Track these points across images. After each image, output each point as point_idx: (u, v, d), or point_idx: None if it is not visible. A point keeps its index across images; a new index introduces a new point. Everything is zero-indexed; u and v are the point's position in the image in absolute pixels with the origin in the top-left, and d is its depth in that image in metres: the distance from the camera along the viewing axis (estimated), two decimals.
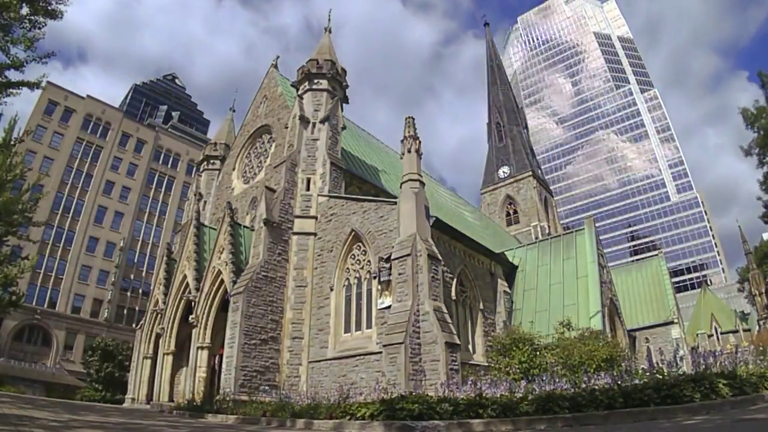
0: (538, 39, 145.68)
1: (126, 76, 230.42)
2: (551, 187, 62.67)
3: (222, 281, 19.38)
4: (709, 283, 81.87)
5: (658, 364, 9.29)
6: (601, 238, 25.96)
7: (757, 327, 49.51)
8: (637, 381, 8.45)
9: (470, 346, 18.83)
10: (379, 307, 16.73)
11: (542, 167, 66.00)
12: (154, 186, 59.76)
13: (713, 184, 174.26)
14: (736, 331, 50.12)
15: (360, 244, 18.60)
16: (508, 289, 22.19)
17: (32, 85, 12.90)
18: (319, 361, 17.76)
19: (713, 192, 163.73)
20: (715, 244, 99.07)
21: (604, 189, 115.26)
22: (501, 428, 7.93)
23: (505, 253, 25.18)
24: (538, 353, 15.99)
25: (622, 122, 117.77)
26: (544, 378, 9.64)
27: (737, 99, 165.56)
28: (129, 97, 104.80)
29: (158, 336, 22.91)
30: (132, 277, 54.59)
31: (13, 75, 12.54)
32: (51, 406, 13.26)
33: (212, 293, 19.89)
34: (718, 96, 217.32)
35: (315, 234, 20.19)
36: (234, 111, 33.84)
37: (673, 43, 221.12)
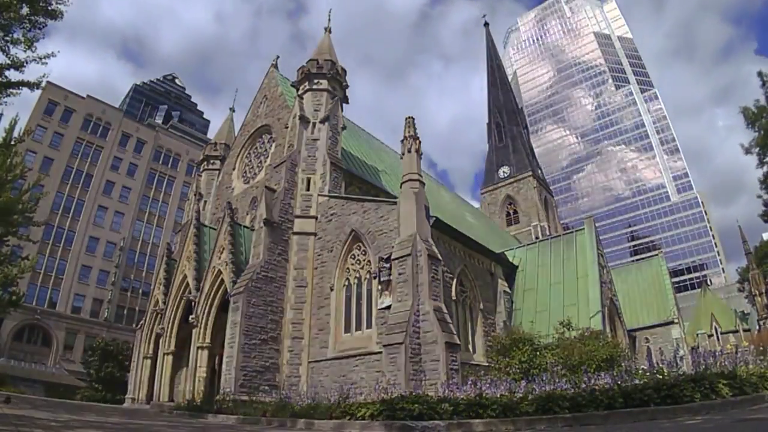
0: (537, 39, 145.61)
1: (93, 49, 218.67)
2: (551, 187, 62.66)
3: (222, 281, 19.37)
4: (709, 283, 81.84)
5: (658, 364, 9.30)
6: (601, 238, 25.96)
7: (757, 327, 49.49)
8: (637, 381, 8.45)
9: (470, 346, 18.83)
10: (379, 307, 16.73)
11: (542, 168, 65.89)
12: (154, 186, 59.73)
13: (722, 168, 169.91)
14: (736, 331, 50.10)
15: (360, 244, 18.59)
16: (508, 289, 22.18)
17: (32, 85, 12.88)
18: (320, 361, 17.76)
19: (722, 177, 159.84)
20: (715, 244, 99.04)
21: (603, 188, 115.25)
22: (501, 428, 7.93)
23: (505, 253, 25.18)
24: (538, 353, 15.97)
25: (622, 122, 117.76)
26: (544, 378, 9.64)
27: (748, 71, 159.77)
28: (129, 97, 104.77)
29: (158, 336, 22.91)
30: (132, 277, 54.58)
31: (13, 75, 12.54)
32: (50, 406, 13.26)
33: (212, 293, 19.88)
34: (729, 67, 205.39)
35: (315, 234, 20.19)
36: (234, 111, 33.87)
37: (679, 11, 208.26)
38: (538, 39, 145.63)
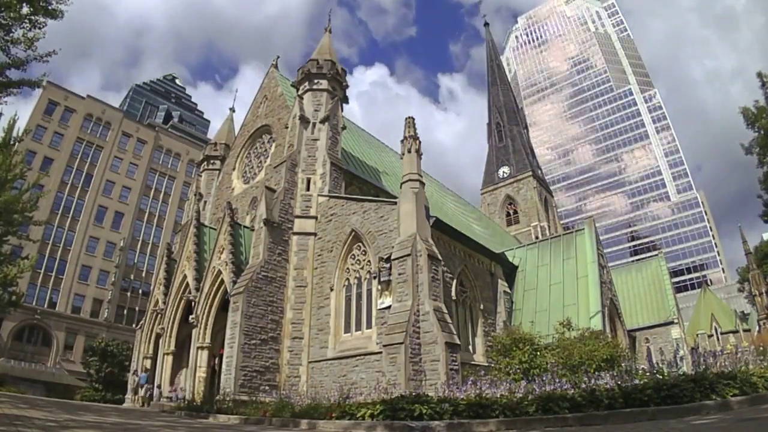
0: (538, 39, 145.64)
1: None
2: (551, 187, 62.64)
3: (222, 281, 19.37)
4: (709, 283, 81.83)
5: (658, 364, 9.29)
6: (601, 238, 25.96)
7: (757, 327, 49.53)
8: (637, 381, 8.44)
9: (470, 347, 18.82)
10: (379, 307, 16.73)
11: (542, 167, 65.94)
12: (154, 186, 59.73)
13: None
14: (736, 331, 50.10)
15: (360, 244, 18.59)
16: (508, 289, 22.18)
17: (33, 84, 12.90)
18: (320, 361, 17.76)
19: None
20: (715, 244, 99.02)
21: (604, 188, 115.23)
22: (501, 428, 7.92)
23: (505, 253, 25.18)
24: (538, 353, 15.97)
25: (622, 122, 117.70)
26: (544, 378, 9.63)
27: None
28: (129, 97, 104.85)
29: (158, 336, 22.91)
30: (132, 277, 54.57)
31: (13, 74, 12.54)
32: (49, 406, 13.25)
33: (212, 293, 19.88)
34: None
35: (315, 234, 20.19)
36: (234, 111, 33.85)
37: None
38: (538, 39, 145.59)
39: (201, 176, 29.43)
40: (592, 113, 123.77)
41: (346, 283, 18.67)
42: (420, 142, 18.41)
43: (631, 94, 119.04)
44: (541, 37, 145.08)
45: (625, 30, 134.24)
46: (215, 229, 21.99)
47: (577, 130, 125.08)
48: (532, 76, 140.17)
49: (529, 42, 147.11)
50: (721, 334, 50.58)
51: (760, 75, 22.66)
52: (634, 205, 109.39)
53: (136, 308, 51.56)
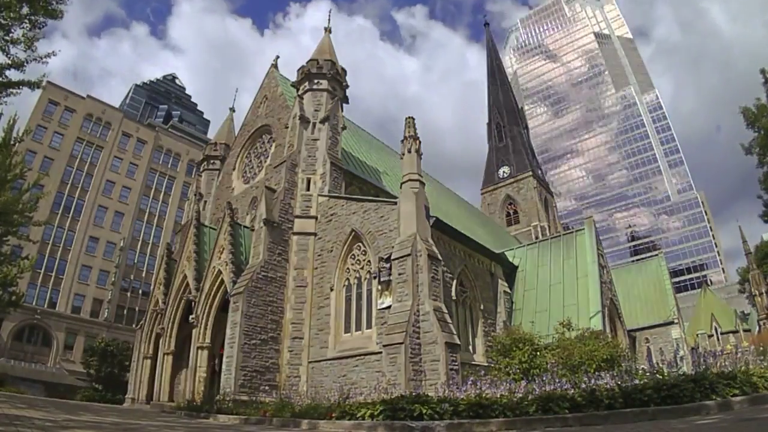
0: (538, 40, 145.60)
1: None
2: (550, 186, 62.62)
3: (222, 281, 19.37)
4: (709, 283, 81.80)
5: (658, 364, 9.30)
6: (601, 238, 25.94)
7: (757, 327, 49.51)
8: (637, 381, 8.44)
9: (470, 347, 18.81)
10: (379, 307, 16.72)
11: (542, 167, 65.94)
12: (154, 186, 59.70)
13: None
14: (736, 332, 50.05)
15: (360, 244, 18.59)
16: (508, 289, 22.17)
17: (32, 85, 12.89)
18: (320, 361, 17.76)
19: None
20: (715, 244, 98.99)
21: (603, 188, 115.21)
22: (501, 428, 7.92)
23: (505, 253, 25.17)
24: (538, 353, 15.95)
25: (622, 122, 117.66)
26: (544, 378, 9.62)
27: None
28: (129, 97, 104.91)
29: (158, 336, 22.91)
30: (132, 277, 54.55)
31: (13, 75, 12.54)
32: (48, 406, 13.25)
33: (212, 293, 19.88)
34: None
35: (315, 234, 20.18)
36: (234, 111, 33.85)
37: None
38: (538, 39, 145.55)
39: (201, 176, 29.44)
40: (591, 113, 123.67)
41: (346, 283, 18.67)
42: (420, 142, 18.40)
43: (632, 94, 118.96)
44: (541, 37, 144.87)
45: (626, 30, 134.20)
46: (215, 229, 21.98)
47: (574, 129, 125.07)
48: (531, 78, 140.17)
49: (530, 42, 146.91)
50: (721, 334, 50.54)
51: (763, 72, 22.46)
52: (634, 204, 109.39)
53: (136, 308, 51.54)
